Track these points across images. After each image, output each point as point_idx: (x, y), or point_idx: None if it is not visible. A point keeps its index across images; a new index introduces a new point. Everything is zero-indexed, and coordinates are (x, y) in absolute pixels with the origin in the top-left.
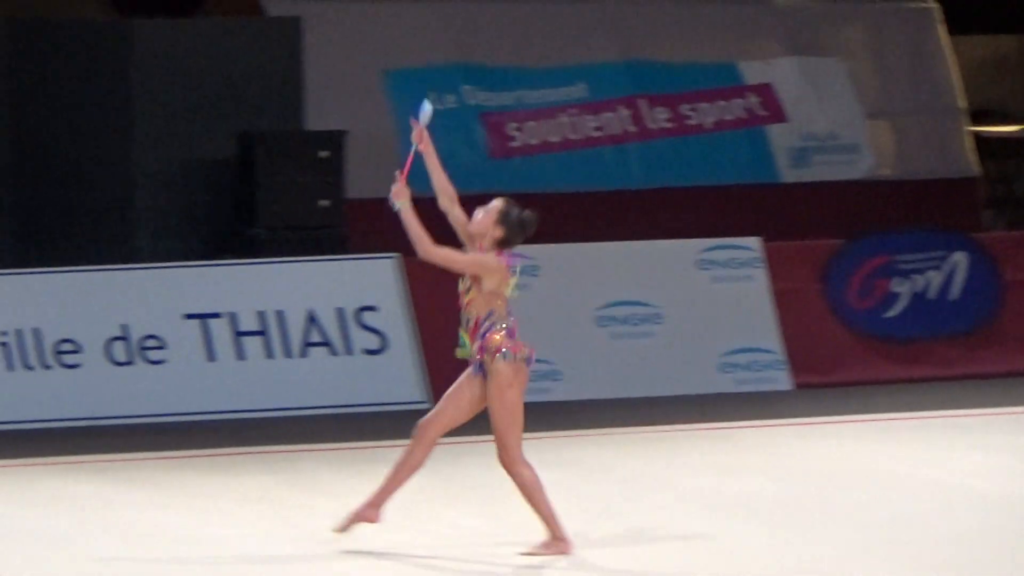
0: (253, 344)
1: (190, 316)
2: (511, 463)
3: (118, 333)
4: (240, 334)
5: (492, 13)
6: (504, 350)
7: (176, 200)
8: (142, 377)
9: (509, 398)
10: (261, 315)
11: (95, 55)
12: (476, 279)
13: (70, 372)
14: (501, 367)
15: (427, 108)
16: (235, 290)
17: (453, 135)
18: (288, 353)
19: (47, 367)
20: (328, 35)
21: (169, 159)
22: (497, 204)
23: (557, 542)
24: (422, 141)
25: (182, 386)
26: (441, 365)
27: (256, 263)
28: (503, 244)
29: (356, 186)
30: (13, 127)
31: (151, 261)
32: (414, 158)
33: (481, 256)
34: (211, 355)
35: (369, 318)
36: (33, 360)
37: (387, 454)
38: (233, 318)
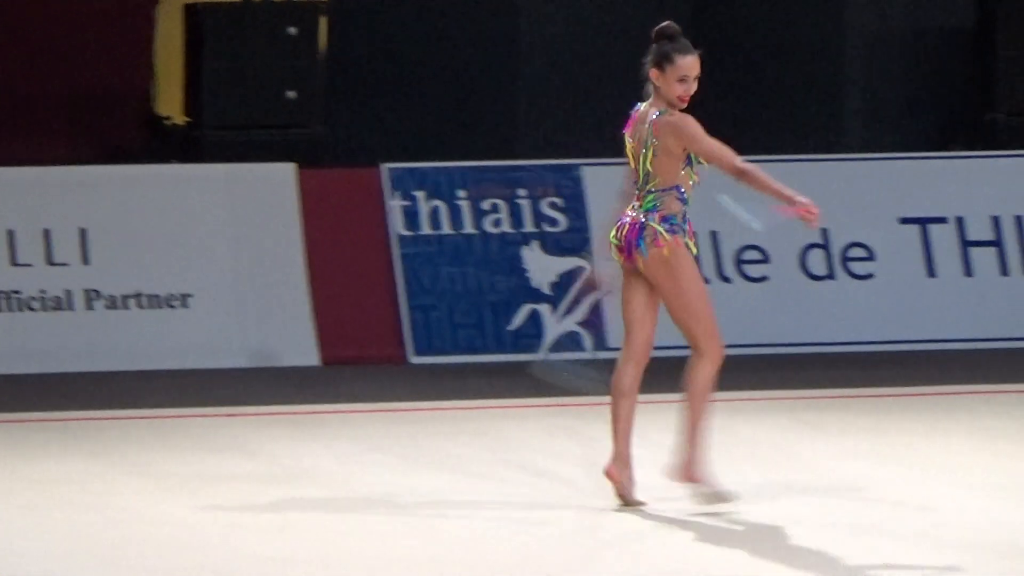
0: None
1: (905, 221)
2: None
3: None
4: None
5: None
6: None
7: (895, 78)
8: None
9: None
10: (995, 221)
11: None
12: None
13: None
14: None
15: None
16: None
17: None
18: None
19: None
20: None
21: (887, 27)
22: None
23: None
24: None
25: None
26: None
27: (991, 156)
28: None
29: None
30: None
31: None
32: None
33: None
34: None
35: None
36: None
37: None
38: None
